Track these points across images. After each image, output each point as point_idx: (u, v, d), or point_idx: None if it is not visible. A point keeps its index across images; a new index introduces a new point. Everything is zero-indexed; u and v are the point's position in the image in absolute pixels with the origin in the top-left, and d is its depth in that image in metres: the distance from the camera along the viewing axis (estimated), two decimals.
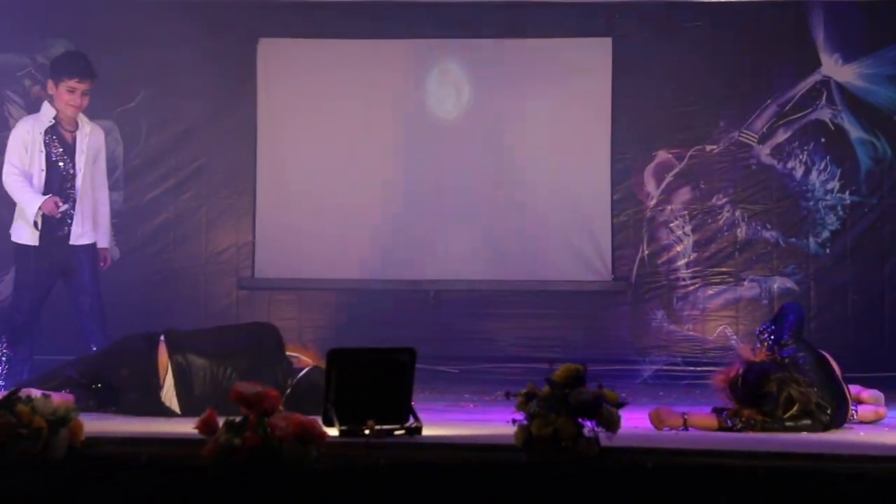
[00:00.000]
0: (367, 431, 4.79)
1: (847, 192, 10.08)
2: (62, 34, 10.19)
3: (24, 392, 4.65)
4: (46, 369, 7.03)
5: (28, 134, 7.86)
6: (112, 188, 9.71)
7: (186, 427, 4.65)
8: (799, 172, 10.08)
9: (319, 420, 4.64)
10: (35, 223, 7.71)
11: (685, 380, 9.64)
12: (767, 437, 5.54)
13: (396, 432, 4.94)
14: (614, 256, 10.05)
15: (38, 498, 4.51)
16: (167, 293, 10.21)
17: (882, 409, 6.47)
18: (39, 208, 7.68)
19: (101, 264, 8.24)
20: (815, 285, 10.08)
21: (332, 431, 4.78)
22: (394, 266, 10.17)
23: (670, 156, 10.12)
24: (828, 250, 10.09)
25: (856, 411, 6.32)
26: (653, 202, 10.10)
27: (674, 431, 5.76)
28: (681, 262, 10.08)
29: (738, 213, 10.01)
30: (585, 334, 10.03)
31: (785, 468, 4.49)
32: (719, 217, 10.02)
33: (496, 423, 5.46)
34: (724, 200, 10.06)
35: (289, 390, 6.19)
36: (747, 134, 10.05)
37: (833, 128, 10.08)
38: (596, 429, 4.46)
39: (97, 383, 6.44)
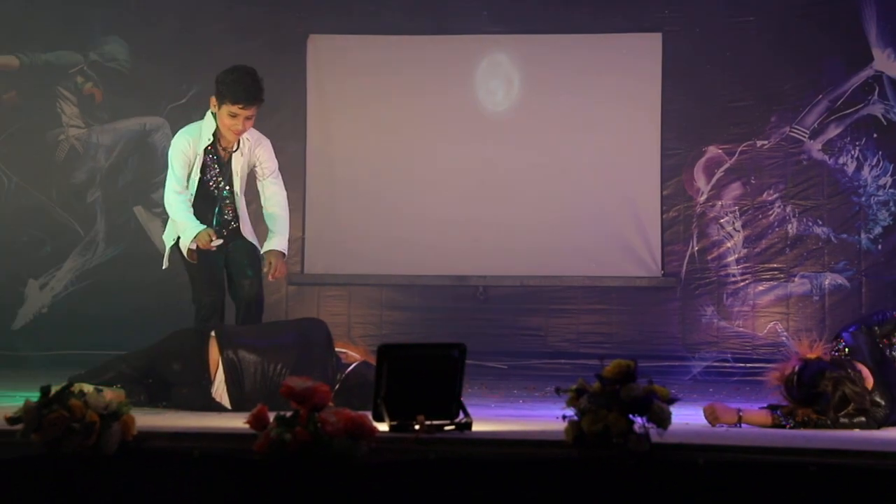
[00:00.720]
0: (417, 427, 4.79)
1: None
2: (114, 31, 10.29)
3: (76, 386, 4.68)
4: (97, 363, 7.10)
5: (189, 148, 7.26)
6: (162, 185, 9.79)
7: (238, 422, 4.68)
8: (850, 168, 10.01)
9: (369, 415, 4.65)
10: (189, 250, 7.14)
11: (735, 376, 9.60)
12: (820, 434, 5.50)
13: (446, 428, 4.94)
14: (664, 252, 10.02)
15: (92, 492, 4.56)
16: None
17: None
18: (195, 238, 7.09)
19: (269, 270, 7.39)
20: (867, 281, 10.00)
21: (383, 426, 4.78)
22: (443, 261, 10.18)
23: (721, 151, 10.08)
24: (879, 246, 10.01)
25: None
26: (703, 198, 10.06)
27: (725, 427, 5.73)
28: (731, 258, 10.04)
29: (788, 209, 9.95)
30: (635, 330, 10.01)
31: (837, 465, 4.46)
32: (770, 213, 9.96)
33: (546, 419, 5.45)
34: (775, 196, 10.00)
35: (338, 385, 6.21)
36: (798, 129, 9.98)
37: (885, 123, 10.00)
38: (647, 425, 4.45)
39: (149, 378, 6.48)
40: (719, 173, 10.10)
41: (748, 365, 9.69)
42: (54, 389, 4.61)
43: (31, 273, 10.24)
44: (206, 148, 7.28)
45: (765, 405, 5.96)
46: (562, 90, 10.18)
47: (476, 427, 5.02)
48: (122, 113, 10.12)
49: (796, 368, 5.81)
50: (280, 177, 7.59)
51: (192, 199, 7.25)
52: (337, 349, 6.49)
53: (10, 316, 10.19)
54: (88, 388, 4.80)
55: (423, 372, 5.03)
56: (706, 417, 5.82)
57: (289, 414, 4.43)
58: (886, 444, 4.96)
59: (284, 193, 7.60)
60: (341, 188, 10.22)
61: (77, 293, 10.23)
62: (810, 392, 5.72)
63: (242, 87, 7.14)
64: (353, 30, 10.37)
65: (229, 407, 6.24)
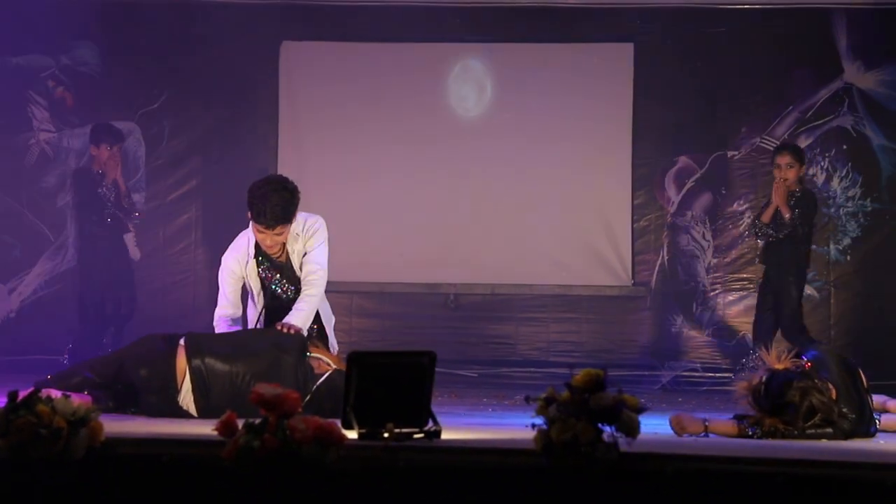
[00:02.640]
0: (386, 434, 4.79)
1: (868, 199, 10.06)
2: (86, 35, 10.25)
3: (44, 392, 4.66)
4: (63, 369, 7.05)
5: (238, 266, 6.96)
6: (134, 189, 9.79)
7: (207, 429, 4.66)
8: (820, 179, 10.06)
9: (339, 423, 4.64)
10: None
11: (704, 386, 9.64)
12: (787, 445, 5.52)
13: (415, 435, 4.93)
14: (635, 261, 10.05)
15: (58, 498, 4.53)
16: (188, 294, 10.24)
17: None
18: None
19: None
20: (836, 292, 10.06)
21: (352, 434, 4.78)
22: (413, 269, 10.19)
23: (691, 161, 10.11)
24: (848, 257, 10.06)
25: (878, 420, 6.29)
26: (674, 208, 10.09)
27: (693, 437, 5.74)
28: (701, 268, 10.07)
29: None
30: (605, 339, 10.03)
31: (805, 475, 4.47)
32: (740, 223, 10.00)
33: (515, 428, 5.45)
34: (745, 206, 10.04)
35: (309, 395, 6.19)
36: (769, 140, 10.03)
37: (855, 135, 10.06)
38: (616, 434, 4.45)
39: (116, 384, 6.44)
40: (690, 183, 10.14)
41: (717, 375, 9.73)
42: (22, 395, 4.58)
43: (1, 277, 10.19)
44: (257, 259, 6.97)
45: (731, 416, 5.98)
46: (534, 99, 10.20)
47: (445, 435, 5.02)
48: (93, 117, 10.07)
49: (764, 378, 5.83)
50: (325, 264, 7.04)
51: (264, 309, 7.03)
52: (312, 355, 6.47)
53: None
54: (56, 393, 4.77)
55: (393, 380, 5.03)
56: (672, 428, 5.83)
57: (258, 421, 4.42)
58: (854, 455, 4.99)
59: (324, 281, 7.05)
60: (312, 194, 10.10)
61: (46, 298, 10.17)
62: (777, 402, 5.74)
63: (268, 208, 6.70)
64: (326, 36, 10.37)
65: (196, 415, 6.21)
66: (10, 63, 10.27)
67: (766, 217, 8.92)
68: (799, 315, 9.03)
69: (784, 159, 8.91)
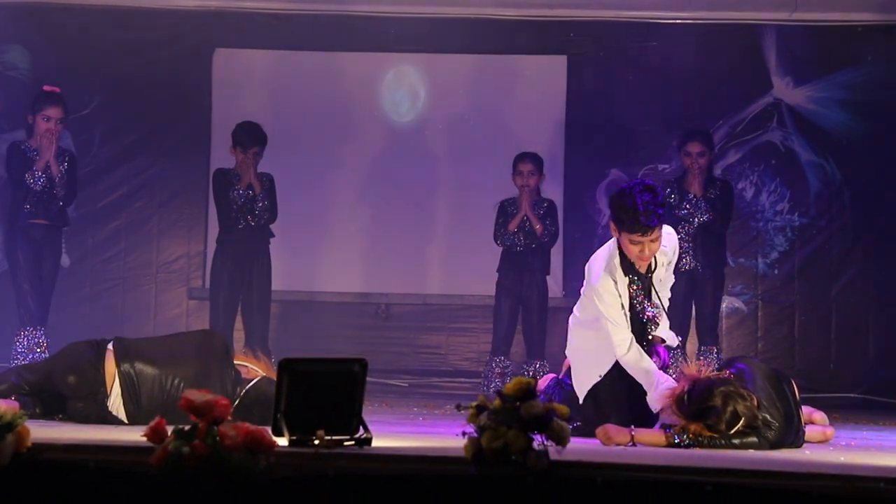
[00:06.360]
0: (316, 442, 4.78)
1: (796, 214, 10.19)
2: (16, 39, 10.16)
3: None
4: None
5: (615, 286, 6.35)
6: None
7: (135, 435, 4.63)
8: (749, 193, 10.17)
9: (269, 430, 4.62)
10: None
11: None
12: (714, 454, 5.57)
13: (346, 443, 4.92)
14: (566, 273, 10.08)
15: None
16: (117, 301, 10.17)
17: (829, 430, 6.52)
18: None
19: None
20: (763, 305, 10.16)
21: (282, 441, 4.76)
22: (345, 278, 10.18)
23: (623, 174, 10.18)
24: (776, 271, 10.18)
25: (803, 432, 6.36)
26: (605, 219, 10.14)
27: (622, 447, 5.77)
28: None
29: None
30: None
31: (732, 484, 4.51)
32: None
33: (446, 436, 5.46)
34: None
35: (237, 400, 6.16)
36: None
37: (783, 150, 10.18)
38: (546, 442, 4.47)
39: (44, 391, 6.38)
40: None
41: None
42: None
43: None
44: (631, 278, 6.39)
45: (657, 425, 6.01)
46: (467, 109, 10.25)
47: (376, 443, 5.01)
48: (22, 122, 9.96)
49: (686, 387, 5.88)
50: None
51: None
52: (238, 363, 6.44)
53: None
54: None
55: (324, 387, 5.02)
56: (599, 438, 5.86)
57: (187, 427, 4.39)
58: (781, 465, 5.04)
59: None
60: None
61: None
62: (701, 407, 5.79)
63: (639, 214, 6.14)
64: (261, 45, 10.35)
65: (126, 421, 6.17)
66: None
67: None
68: None
69: (695, 147, 9.03)
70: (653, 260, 6.35)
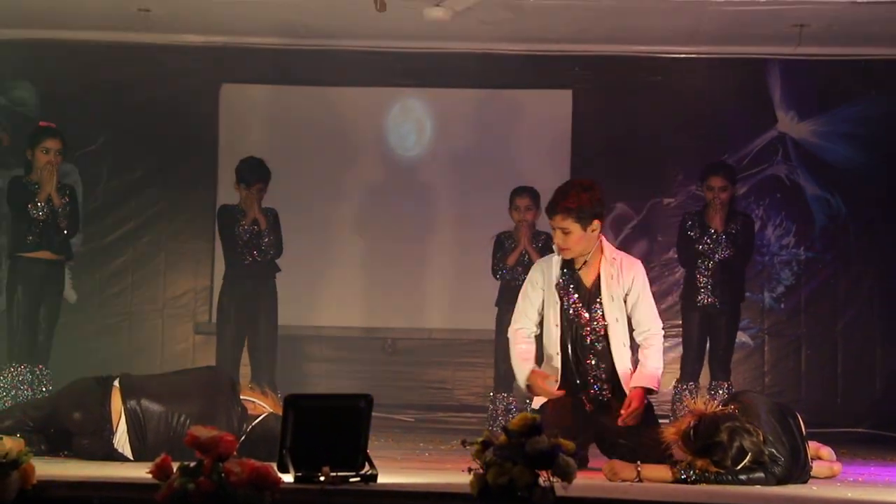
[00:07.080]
0: (322, 478, 4.78)
1: (802, 248, 10.18)
2: (23, 75, 10.20)
3: None
4: None
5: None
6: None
7: (140, 472, 4.63)
8: (755, 227, 10.15)
9: (274, 466, 4.62)
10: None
11: None
12: (721, 490, 5.55)
13: (352, 479, 4.92)
14: None
15: None
16: (124, 337, 10.17)
17: (837, 465, 6.50)
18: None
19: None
20: (770, 340, 10.15)
21: (287, 477, 4.76)
22: (351, 313, 10.18)
23: (628, 208, 10.18)
24: (782, 305, 10.17)
25: (810, 467, 6.34)
26: None
27: (628, 483, 5.76)
28: None
29: None
30: None
31: None
32: (676, 270, 10.06)
33: (452, 472, 5.45)
34: None
35: (243, 437, 6.16)
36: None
37: (789, 184, 10.18)
38: (552, 478, 4.46)
39: (49, 427, 6.38)
40: (627, 230, 10.21)
41: None
42: None
43: None
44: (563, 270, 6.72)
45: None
46: (473, 143, 10.26)
47: (382, 478, 5.01)
48: None
49: (692, 423, 5.87)
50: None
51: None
52: (245, 398, 6.44)
53: None
54: None
55: (330, 423, 5.02)
56: (605, 475, 5.84)
57: (192, 464, 4.39)
58: (789, 500, 5.02)
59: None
60: None
61: None
62: (707, 443, 5.78)
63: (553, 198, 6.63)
64: (267, 79, 10.39)
65: (131, 458, 6.16)
66: None
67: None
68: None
69: (718, 182, 8.95)
70: (602, 280, 6.59)
